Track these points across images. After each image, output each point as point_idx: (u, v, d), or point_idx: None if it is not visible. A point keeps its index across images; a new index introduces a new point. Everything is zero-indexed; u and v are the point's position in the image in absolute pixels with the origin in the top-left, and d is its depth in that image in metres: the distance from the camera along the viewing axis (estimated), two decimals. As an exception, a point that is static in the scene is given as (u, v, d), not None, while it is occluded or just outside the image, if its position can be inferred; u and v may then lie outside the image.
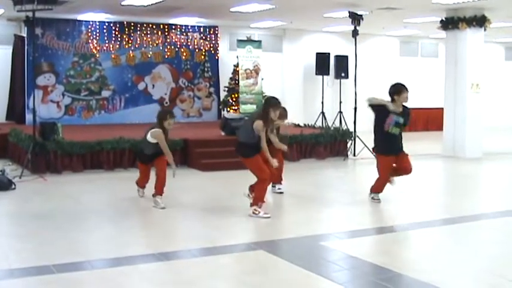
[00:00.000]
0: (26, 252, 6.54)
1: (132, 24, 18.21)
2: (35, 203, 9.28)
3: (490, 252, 6.76)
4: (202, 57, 19.22)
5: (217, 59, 19.50)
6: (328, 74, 20.33)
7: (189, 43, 19.04)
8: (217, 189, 10.07)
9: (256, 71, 17.72)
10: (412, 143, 16.96)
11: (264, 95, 17.99)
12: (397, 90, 8.89)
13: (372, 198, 9.32)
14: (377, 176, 9.23)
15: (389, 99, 8.92)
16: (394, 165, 9.12)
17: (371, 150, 9.88)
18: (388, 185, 9.29)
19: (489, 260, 6.44)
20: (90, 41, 17.72)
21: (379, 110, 8.89)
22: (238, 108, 17.56)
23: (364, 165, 13.72)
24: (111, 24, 17.96)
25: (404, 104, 8.95)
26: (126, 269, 6.03)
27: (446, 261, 6.32)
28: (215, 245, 6.90)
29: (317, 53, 20.26)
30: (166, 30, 18.72)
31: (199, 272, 5.91)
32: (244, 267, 6.19)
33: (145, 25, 18.37)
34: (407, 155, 9.10)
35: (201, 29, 19.22)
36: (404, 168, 9.10)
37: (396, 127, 8.88)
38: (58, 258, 6.20)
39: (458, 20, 14.99)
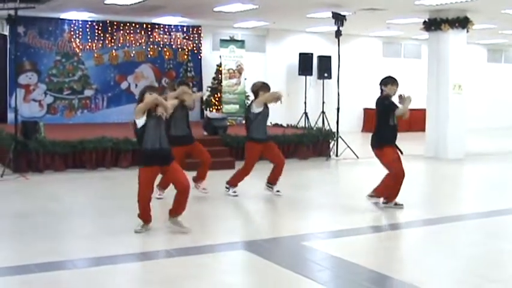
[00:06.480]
0: (7, 251, 6.50)
1: (115, 23, 18.12)
2: (16, 202, 9.21)
3: (471, 253, 6.82)
4: (185, 56, 19.16)
5: (200, 59, 19.46)
6: (311, 74, 20.38)
7: (172, 43, 18.98)
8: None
9: (239, 71, 17.74)
10: (395, 144, 17.12)
11: (246, 95, 18.02)
12: (385, 82, 9.30)
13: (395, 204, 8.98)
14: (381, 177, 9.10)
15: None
16: None
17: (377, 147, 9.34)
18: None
19: (470, 260, 6.50)
20: (72, 39, 17.61)
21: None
22: (221, 108, 17.56)
23: (346, 165, 13.76)
24: (94, 23, 17.86)
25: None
26: (107, 268, 6.01)
27: (428, 261, 6.36)
28: (196, 244, 6.89)
29: (300, 54, 20.30)
30: (149, 29, 18.65)
31: (180, 272, 5.90)
32: (225, 267, 6.19)
33: (128, 24, 18.29)
34: None
35: (184, 29, 19.17)
36: None
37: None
38: (39, 258, 6.16)
39: (441, 21, 15.06)
